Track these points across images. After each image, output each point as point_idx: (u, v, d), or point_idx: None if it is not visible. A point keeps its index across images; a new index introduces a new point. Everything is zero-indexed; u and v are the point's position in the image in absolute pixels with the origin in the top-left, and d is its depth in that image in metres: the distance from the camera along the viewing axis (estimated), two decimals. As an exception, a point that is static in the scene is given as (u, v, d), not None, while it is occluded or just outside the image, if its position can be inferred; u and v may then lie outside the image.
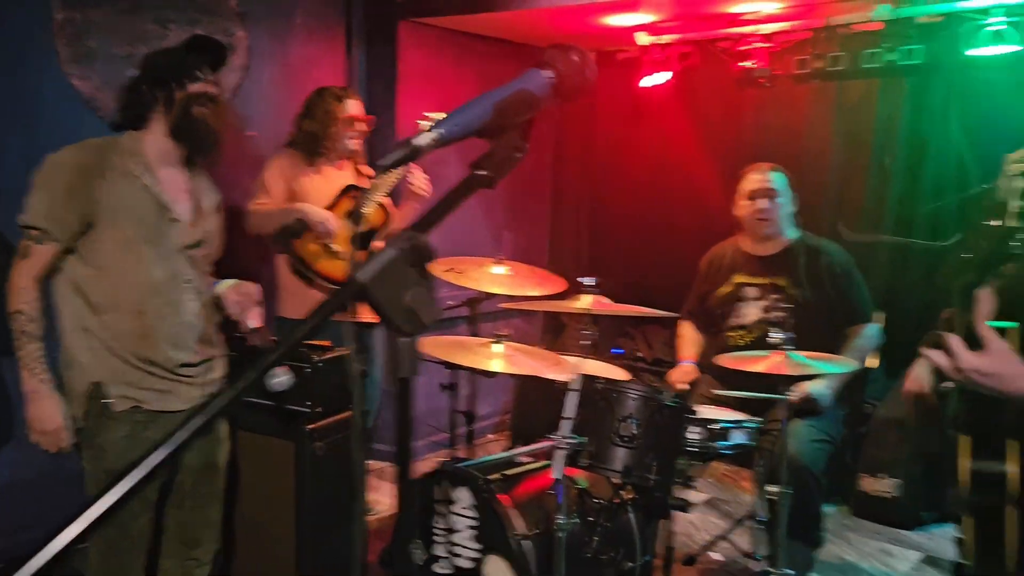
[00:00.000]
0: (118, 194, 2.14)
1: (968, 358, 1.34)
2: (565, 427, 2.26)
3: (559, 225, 5.59)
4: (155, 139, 2.20)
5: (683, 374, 3.38)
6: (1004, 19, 3.52)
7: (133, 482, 0.62)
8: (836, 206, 4.25)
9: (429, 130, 0.78)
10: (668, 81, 4.54)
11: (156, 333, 2.21)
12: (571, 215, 5.56)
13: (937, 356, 1.38)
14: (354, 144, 3.46)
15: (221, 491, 2.45)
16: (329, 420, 2.79)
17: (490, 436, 5.21)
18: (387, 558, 3.01)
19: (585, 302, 2.42)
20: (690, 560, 3.39)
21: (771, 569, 2.64)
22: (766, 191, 3.21)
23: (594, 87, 0.90)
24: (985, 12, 3.57)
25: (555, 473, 2.21)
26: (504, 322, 5.30)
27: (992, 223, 1.34)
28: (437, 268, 3.26)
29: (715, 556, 3.44)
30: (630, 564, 2.71)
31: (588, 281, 2.43)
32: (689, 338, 3.54)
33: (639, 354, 5.05)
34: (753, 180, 3.27)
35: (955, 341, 1.35)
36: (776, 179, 3.23)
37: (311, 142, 3.40)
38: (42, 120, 3.17)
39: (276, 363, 0.72)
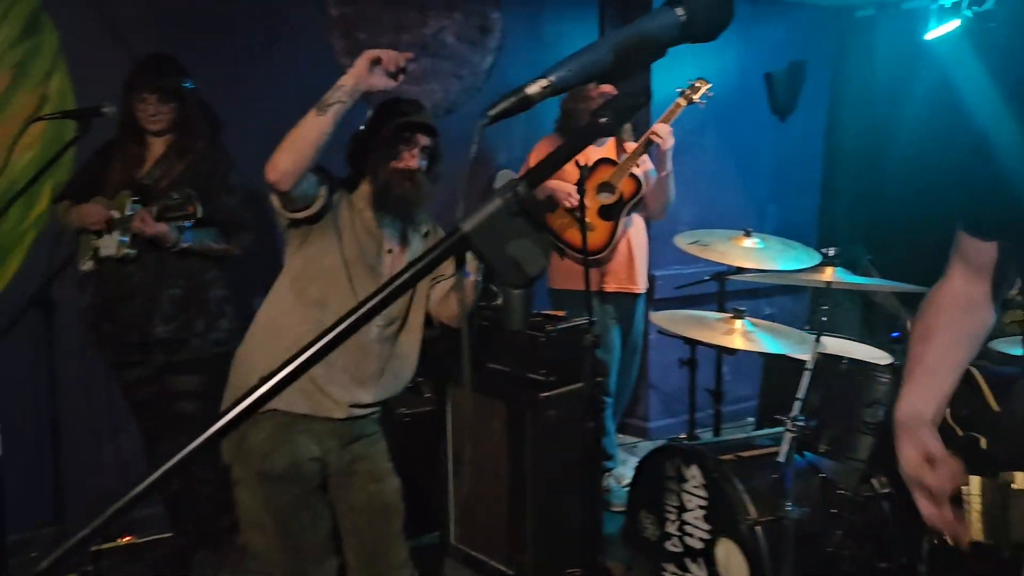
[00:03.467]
0: (343, 215, 2.23)
1: None
2: (795, 408, 2.10)
3: (831, 195, 5.17)
4: (361, 197, 2.27)
5: None
6: None
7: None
8: None
9: (543, 77, 0.75)
10: (957, 31, 4.00)
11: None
12: (846, 183, 5.11)
13: None
14: None
15: (400, 531, 2.36)
16: (562, 389, 2.82)
17: (751, 419, 4.98)
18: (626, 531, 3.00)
19: (826, 275, 2.21)
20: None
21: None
22: None
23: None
24: None
25: (780, 456, 2.06)
26: (766, 300, 5.04)
27: None
28: (682, 241, 3.17)
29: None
30: (883, 565, 2.46)
31: (829, 252, 2.22)
32: None
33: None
34: None
35: None
36: None
37: (567, 120, 3.56)
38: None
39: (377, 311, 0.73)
